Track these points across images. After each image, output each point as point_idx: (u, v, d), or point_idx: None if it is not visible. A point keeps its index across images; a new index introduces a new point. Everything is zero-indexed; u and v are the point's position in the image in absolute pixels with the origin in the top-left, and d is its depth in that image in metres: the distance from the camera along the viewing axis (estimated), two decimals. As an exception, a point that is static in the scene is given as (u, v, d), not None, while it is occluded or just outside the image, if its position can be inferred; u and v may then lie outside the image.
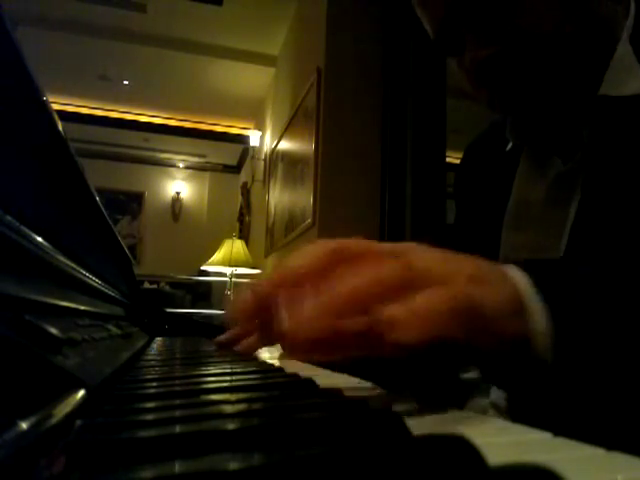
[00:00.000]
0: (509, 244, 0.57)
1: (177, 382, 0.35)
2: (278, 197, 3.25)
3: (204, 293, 5.32)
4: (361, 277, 0.27)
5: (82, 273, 0.52)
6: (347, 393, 0.27)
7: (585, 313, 0.29)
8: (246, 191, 4.96)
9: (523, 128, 0.55)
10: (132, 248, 5.62)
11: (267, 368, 0.45)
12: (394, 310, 0.25)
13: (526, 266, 0.30)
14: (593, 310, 0.29)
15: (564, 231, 0.50)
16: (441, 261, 0.29)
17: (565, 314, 0.28)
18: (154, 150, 5.88)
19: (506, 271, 0.30)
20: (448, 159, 2.22)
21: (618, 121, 0.46)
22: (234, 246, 3.35)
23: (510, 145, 0.60)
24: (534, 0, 0.46)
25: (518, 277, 0.30)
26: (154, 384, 0.34)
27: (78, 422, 0.21)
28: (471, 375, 0.57)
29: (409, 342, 0.24)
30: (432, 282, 0.27)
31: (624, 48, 0.48)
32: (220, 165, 6.20)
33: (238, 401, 0.26)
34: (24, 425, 0.17)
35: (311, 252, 0.31)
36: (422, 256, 0.29)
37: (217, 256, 3.38)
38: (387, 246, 0.31)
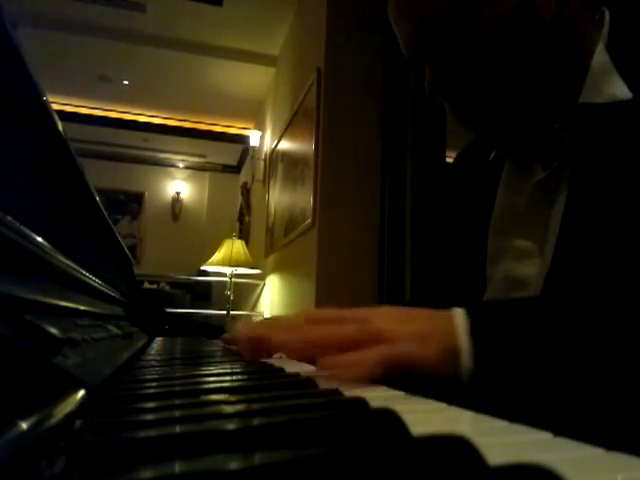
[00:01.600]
0: (495, 249, 0.59)
1: (177, 382, 0.35)
2: (278, 197, 3.25)
3: (204, 293, 5.32)
4: (332, 330, 0.39)
5: (82, 273, 0.52)
6: (347, 393, 0.27)
7: (503, 357, 0.37)
8: (246, 191, 4.96)
9: (491, 139, 0.57)
10: (132, 248, 5.61)
11: (267, 368, 0.45)
12: (335, 359, 0.36)
13: (470, 312, 0.39)
14: (511, 356, 0.37)
15: (547, 235, 0.52)
16: (392, 322, 0.39)
17: (486, 357, 0.37)
18: (154, 150, 5.88)
19: (451, 322, 0.38)
20: (448, 159, 2.21)
21: (597, 127, 0.48)
22: (234, 246, 3.35)
23: (493, 155, 0.62)
24: (482, 41, 0.49)
25: (459, 326, 0.38)
26: (154, 384, 0.34)
27: (78, 422, 0.21)
28: None
29: (346, 379, 0.35)
30: (379, 340, 0.37)
31: (601, 56, 0.49)
32: (220, 165, 6.19)
33: (238, 401, 0.26)
34: (24, 425, 0.17)
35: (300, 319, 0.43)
36: (379, 319, 0.40)
37: (217, 256, 3.37)
38: (353, 312, 0.42)
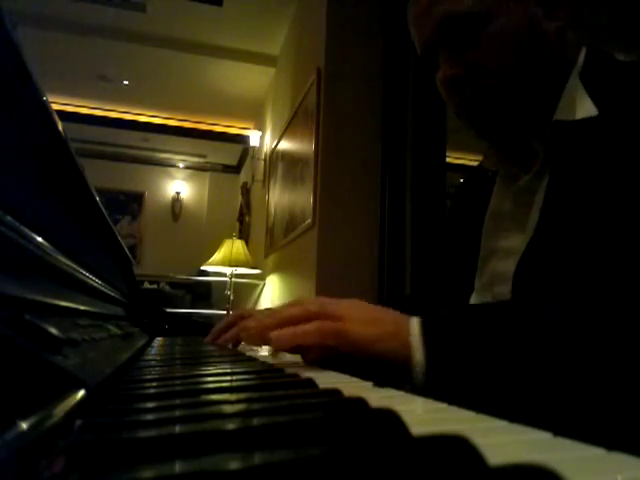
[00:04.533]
0: (486, 250, 0.67)
1: (177, 382, 0.35)
2: (278, 197, 3.25)
3: (204, 293, 5.31)
4: (292, 312, 0.48)
5: (82, 273, 0.52)
6: (347, 393, 0.27)
7: (453, 358, 0.42)
8: (246, 191, 4.96)
9: (484, 137, 0.64)
10: (132, 248, 5.61)
11: (267, 368, 0.45)
12: (281, 331, 0.46)
13: (425, 317, 0.45)
14: (460, 357, 0.42)
15: (525, 234, 0.58)
16: (348, 309, 0.46)
17: (437, 356, 0.42)
18: (154, 150, 5.88)
19: (407, 319, 0.45)
20: (448, 159, 2.21)
21: (569, 140, 0.55)
22: (234, 246, 3.35)
23: (490, 172, 0.71)
24: (494, 43, 0.57)
25: (414, 323, 0.44)
26: (154, 384, 0.34)
27: (78, 422, 0.21)
28: None
29: (284, 346, 0.47)
30: (327, 318, 0.45)
31: (574, 82, 0.58)
32: (220, 165, 6.19)
33: (238, 401, 0.26)
34: (24, 425, 0.17)
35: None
36: (339, 306, 0.47)
37: (217, 256, 3.37)
38: (323, 300, 0.49)
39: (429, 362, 0.42)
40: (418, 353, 0.42)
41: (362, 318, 0.45)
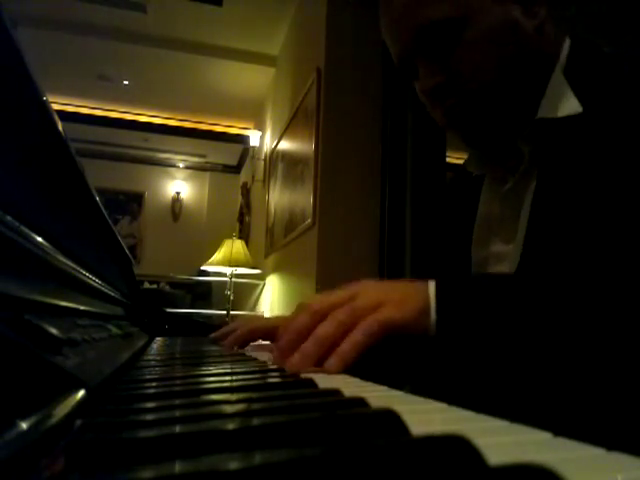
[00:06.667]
0: (477, 258, 0.65)
1: (177, 382, 0.35)
2: (278, 197, 3.25)
3: (204, 293, 5.31)
4: (330, 324, 0.43)
5: (82, 273, 0.52)
6: (347, 393, 0.27)
7: (462, 316, 0.44)
8: (246, 191, 4.96)
9: (473, 144, 0.62)
10: (132, 248, 5.61)
11: (267, 368, 0.45)
12: (343, 346, 0.42)
13: (439, 281, 0.46)
14: (470, 314, 0.44)
15: (516, 237, 0.57)
16: (377, 294, 0.45)
17: (447, 314, 0.44)
18: (154, 150, 5.88)
19: (425, 288, 0.45)
20: (448, 159, 2.21)
21: (554, 139, 0.53)
22: (234, 246, 3.35)
23: (474, 173, 0.68)
24: (473, 48, 0.55)
25: (431, 291, 0.45)
26: (154, 384, 0.34)
27: (78, 422, 0.21)
28: None
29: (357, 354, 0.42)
30: (369, 312, 0.43)
31: (558, 77, 0.55)
32: (220, 165, 6.19)
33: (238, 401, 0.26)
34: (24, 425, 0.17)
35: (304, 314, 0.46)
36: (365, 294, 0.46)
37: (217, 256, 3.37)
38: (342, 293, 0.47)
39: (439, 317, 0.44)
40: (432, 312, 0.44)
41: (390, 301, 0.45)
